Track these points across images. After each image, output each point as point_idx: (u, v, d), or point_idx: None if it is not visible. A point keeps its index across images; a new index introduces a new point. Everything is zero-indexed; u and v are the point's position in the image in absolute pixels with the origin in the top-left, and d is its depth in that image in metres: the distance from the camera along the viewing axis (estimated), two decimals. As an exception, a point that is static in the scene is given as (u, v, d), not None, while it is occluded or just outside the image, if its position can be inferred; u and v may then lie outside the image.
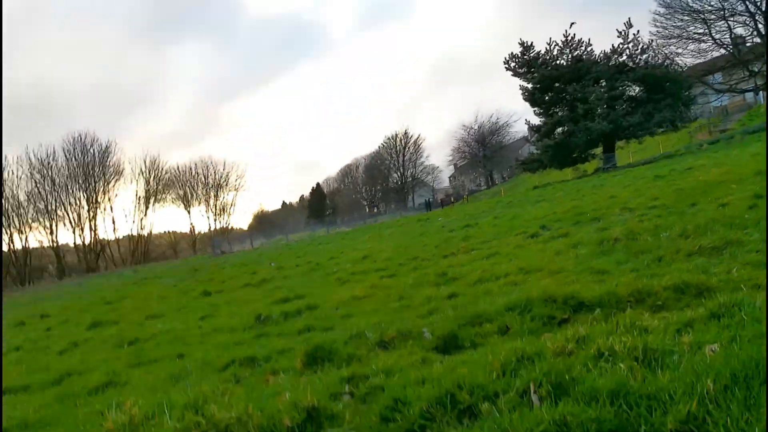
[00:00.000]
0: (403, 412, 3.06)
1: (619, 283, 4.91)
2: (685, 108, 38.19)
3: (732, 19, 39.77)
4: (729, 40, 39.79)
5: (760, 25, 38.58)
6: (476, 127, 75.55)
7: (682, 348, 3.06)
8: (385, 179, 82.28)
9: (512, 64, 41.08)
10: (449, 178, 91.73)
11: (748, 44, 39.94)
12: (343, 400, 3.60)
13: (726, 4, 39.54)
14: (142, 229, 66.06)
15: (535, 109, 41.73)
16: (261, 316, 7.65)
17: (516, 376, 3.14)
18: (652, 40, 39.50)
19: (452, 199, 61.01)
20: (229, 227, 74.81)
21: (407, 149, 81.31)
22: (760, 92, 44.59)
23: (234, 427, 3.29)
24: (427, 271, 8.49)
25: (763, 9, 38.09)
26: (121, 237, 65.99)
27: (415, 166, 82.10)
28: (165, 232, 75.20)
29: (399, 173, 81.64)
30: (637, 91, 39.30)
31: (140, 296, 16.58)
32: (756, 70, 39.01)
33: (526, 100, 41.52)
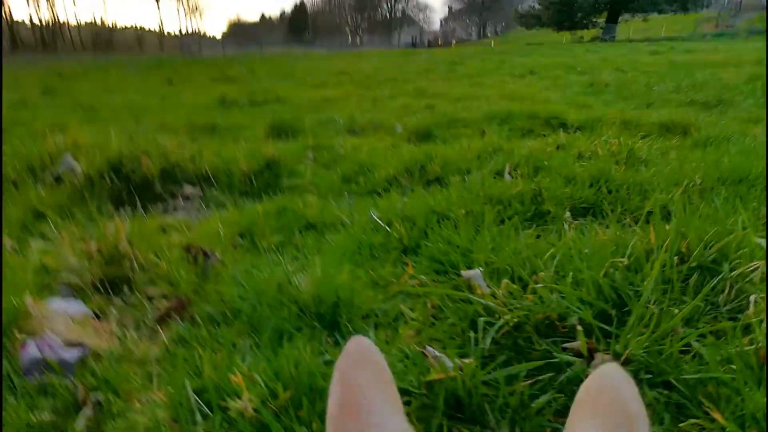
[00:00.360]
0: (368, 176, 2.90)
1: (606, 112, 4.72)
2: (702, -10, 35.97)
3: None
4: None
5: None
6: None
7: (666, 161, 2.93)
8: (374, 8, 76.79)
9: None
10: (440, 20, 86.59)
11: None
12: (306, 161, 3.42)
13: None
14: (105, 13, 60.92)
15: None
16: (226, 99, 7.23)
17: (491, 160, 2.98)
18: None
19: (440, 42, 58.05)
20: (201, 32, 70.00)
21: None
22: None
23: (186, 165, 3.08)
24: (405, 87, 8.07)
25: None
26: (83, 23, 60.92)
27: (407, 1, 76.49)
28: (131, 25, 69.88)
29: (389, 4, 76.06)
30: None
31: (99, 77, 15.62)
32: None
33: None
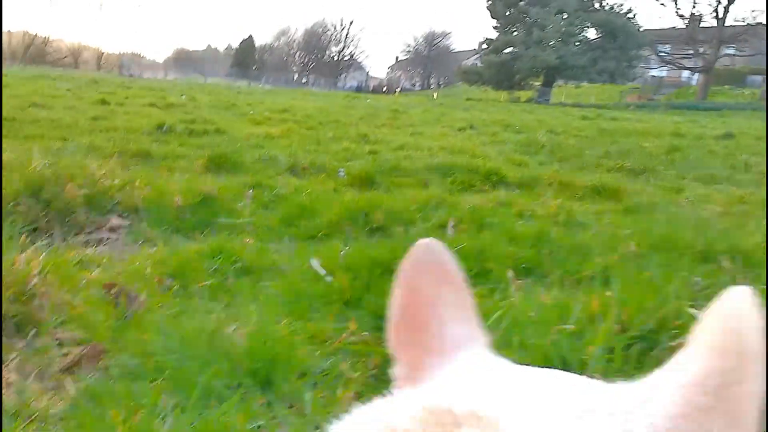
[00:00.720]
0: (309, 220, 2.82)
1: (542, 172, 4.91)
2: (629, 66, 39.03)
3: (699, -8, 40.22)
4: (689, 13, 40.51)
5: (720, 9, 39.45)
6: (429, 28, 73.03)
7: (602, 225, 3.04)
8: (322, 50, 78.00)
9: (484, -33, 39.20)
10: (387, 68, 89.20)
11: (702, 25, 40.88)
12: (244, 200, 3.30)
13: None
14: (38, 23, 58.35)
15: (494, 21, 40.67)
16: (164, 126, 6.98)
17: (435, 212, 2.98)
18: (622, -13, 39.19)
19: (385, 89, 59.60)
20: (142, 55, 68.40)
21: (352, 25, 76.89)
22: (696, 74, 46.39)
23: (115, 194, 2.89)
24: (349, 131, 8.12)
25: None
26: (14, 31, 58.02)
27: (356, 46, 78.32)
28: (68, 40, 67.41)
29: (338, 47, 77.56)
30: (592, 34, 39.37)
31: (25, 89, 14.78)
32: (701, 51, 40.24)
33: (488, 8, 40.21)
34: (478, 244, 2.30)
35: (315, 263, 2.04)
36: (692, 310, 1.58)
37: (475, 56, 49.88)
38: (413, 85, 78.01)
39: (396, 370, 0.41)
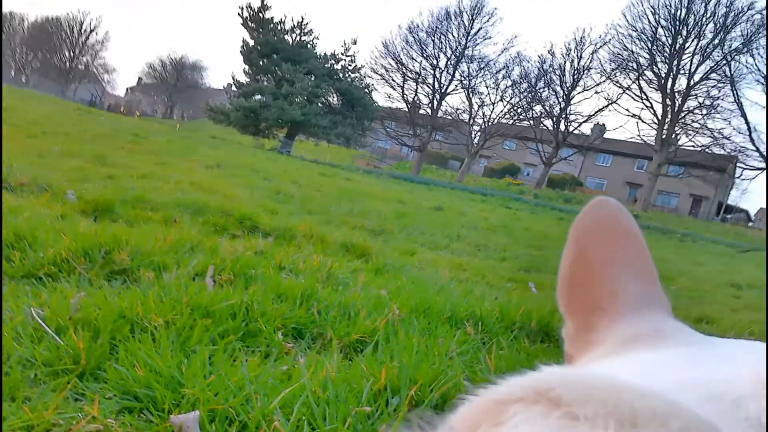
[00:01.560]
0: (27, 252, 2.19)
1: (294, 222, 4.88)
2: (362, 134, 43.34)
3: (422, 84, 47.69)
4: (411, 99, 47.51)
5: (435, 102, 47.32)
6: (178, 55, 69.68)
7: (357, 282, 3.08)
8: (52, 50, 66.93)
9: (245, 15, 39.62)
10: (127, 88, 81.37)
11: (421, 111, 48.30)
12: None
13: (423, 73, 47.32)
14: None
15: (246, 67, 40.98)
16: None
17: (192, 255, 2.63)
18: (363, 66, 43.97)
19: (123, 109, 53.92)
20: None
21: (95, 32, 68.13)
22: (412, 152, 54.01)
23: None
24: (82, 147, 6.95)
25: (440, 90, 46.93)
26: None
27: (96, 57, 69.44)
28: None
29: (72, 52, 67.52)
30: (335, 100, 42.79)
31: None
32: (418, 133, 47.21)
33: (242, 54, 40.40)
34: (246, 300, 2.06)
35: (36, 314, 1.53)
36: (466, 382, 1.63)
37: (224, 96, 49.27)
38: (155, 111, 72.61)
39: (565, 331, 0.40)
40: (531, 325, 2.89)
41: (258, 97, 39.77)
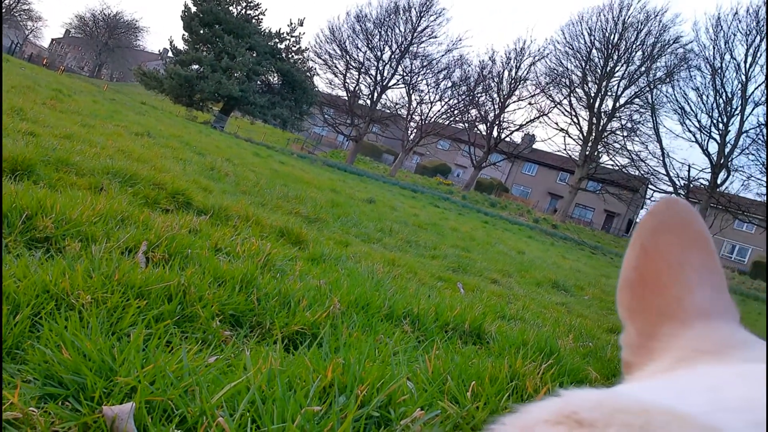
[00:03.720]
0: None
1: (229, 202, 4.70)
2: (299, 118, 42.61)
3: (364, 75, 47.52)
4: (352, 88, 47.26)
5: (375, 94, 47.34)
6: (112, 11, 65.36)
7: (294, 270, 3.01)
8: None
9: (188, -23, 37.76)
10: (52, 40, 75.31)
11: (360, 101, 48.18)
12: None
13: (367, 63, 47.15)
14: None
15: (186, 34, 39.10)
16: None
17: (122, 228, 2.45)
18: (308, 49, 43.16)
19: (45, 62, 49.86)
20: None
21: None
22: (348, 142, 53.82)
23: None
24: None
25: (379, 81, 47.00)
26: None
27: (20, 1, 63.49)
28: None
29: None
30: (275, 80, 41.77)
31: None
32: (356, 123, 47.04)
33: (182, 19, 38.47)
34: (183, 282, 1.94)
35: (-56, 285, 1.36)
36: (410, 384, 1.62)
37: (159, 61, 46.83)
38: (81, 68, 67.72)
39: (624, 337, 0.38)
40: (464, 326, 2.93)
41: (195, 67, 38.10)
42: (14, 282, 1.50)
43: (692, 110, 38.27)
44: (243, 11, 39.98)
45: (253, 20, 40.20)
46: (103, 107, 13.34)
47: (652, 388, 0.30)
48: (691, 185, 37.37)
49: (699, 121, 37.92)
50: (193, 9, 38.29)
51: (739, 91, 36.26)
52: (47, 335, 1.31)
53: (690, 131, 38.66)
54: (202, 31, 38.65)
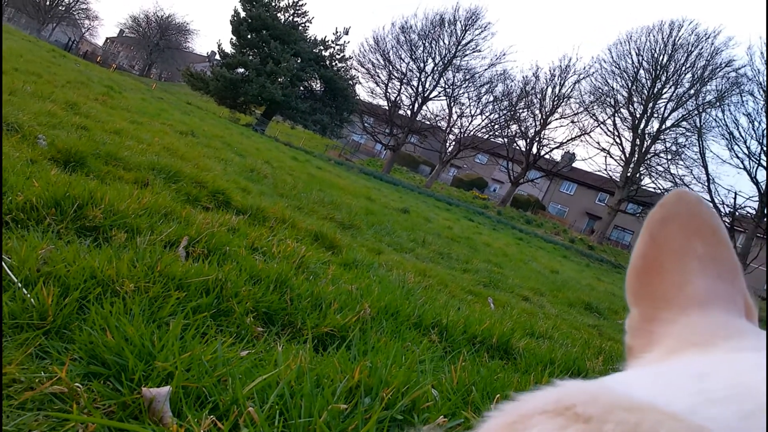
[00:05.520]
0: (-10, 194, 2.08)
1: (266, 204, 4.81)
2: (339, 125, 43.08)
3: (406, 85, 47.78)
4: (393, 98, 47.55)
5: (416, 105, 47.49)
6: (165, 13, 67.69)
7: (327, 274, 3.06)
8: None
9: (240, -16, 38.83)
10: (107, 38, 78.47)
11: (400, 112, 48.39)
12: None
13: (409, 74, 47.40)
14: None
15: (234, 38, 40.15)
16: None
17: (165, 223, 2.55)
18: (351, 57, 43.71)
19: (99, 60, 51.92)
20: None
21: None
22: (386, 151, 54.05)
23: None
24: (55, 91, 6.65)
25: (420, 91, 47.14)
26: None
27: (79, 0, 66.40)
28: None
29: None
30: (318, 86, 42.40)
31: None
32: (395, 132, 47.26)
33: (232, 24, 39.55)
34: (220, 277, 2.01)
35: (4, 263, 1.46)
36: (434, 391, 1.63)
37: (206, 63, 48.21)
38: (132, 66, 70.27)
39: (628, 321, 0.40)
40: (492, 340, 2.92)
41: (241, 70, 39.03)
42: (65, 266, 1.59)
43: (742, 136, 37.01)
44: (290, 18, 40.80)
45: (300, 27, 40.96)
46: (151, 105, 13.80)
47: (643, 378, 0.31)
48: (737, 213, 36.09)
49: (748, 148, 36.66)
50: (243, 14, 39.29)
51: (794, 119, 34.89)
52: (93, 318, 1.38)
53: (738, 157, 37.39)
54: (249, 36, 39.58)
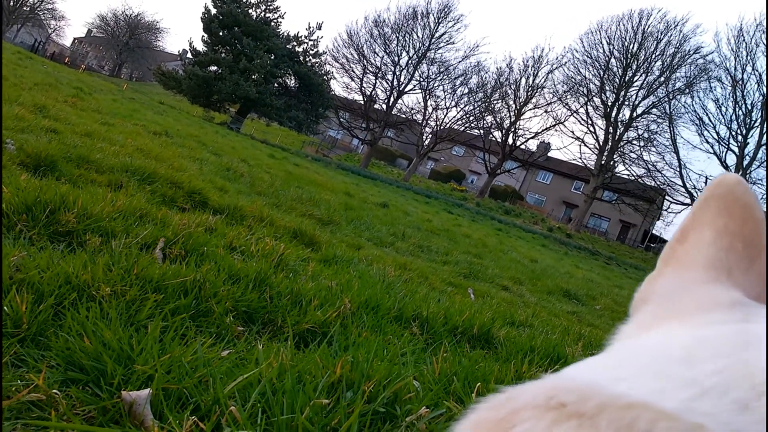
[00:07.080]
0: (-44, 201, 2.03)
1: (246, 203, 4.78)
2: (315, 120, 42.85)
3: (381, 79, 47.69)
4: (368, 92, 47.45)
5: (391, 99, 47.48)
6: (133, 11, 66.39)
7: (306, 270, 3.06)
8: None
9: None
10: (75, 39, 76.69)
11: (376, 106, 48.30)
12: None
13: (384, 68, 47.32)
14: None
15: (205, 35, 39.58)
16: None
17: (141, 225, 2.52)
18: (325, 52, 43.44)
19: (67, 60, 50.74)
20: None
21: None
22: (363, 146, 53.98)
23: None
24: (22, 94, 6.48)
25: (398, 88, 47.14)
26: None
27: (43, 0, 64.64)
28: None
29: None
30: (292, 82, 42.09)
31: None
32: (371, 127, 47.19)
33: (203, 20, 38.97)
34: (199, 278, 2.00)
35: (-26, 273, 1.43)
36: (416, 383, 1.65)
37: (178, 62, 47.50)
38: (102, 67, 68.80)
39: (647, 277, 0.43)
40: (473, 330, 2.96)
41: (214, 68, 38.54)
42: (38, 273, 1.57)
43: (711, 121, 37.93)
44: (262, 14, 40.38)
45: (272, 23, 40.57)
46: (123, 106, 13.57)
47: (628, 364, 0.30)
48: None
49: (717, 133, 37.56)
50: (213, 11, 38.75)
51: (760, 103, 35.83)
52: (70, 324, 1.37)
53: (708, 142, 38.31)
54: (221, 33, 39.08)
